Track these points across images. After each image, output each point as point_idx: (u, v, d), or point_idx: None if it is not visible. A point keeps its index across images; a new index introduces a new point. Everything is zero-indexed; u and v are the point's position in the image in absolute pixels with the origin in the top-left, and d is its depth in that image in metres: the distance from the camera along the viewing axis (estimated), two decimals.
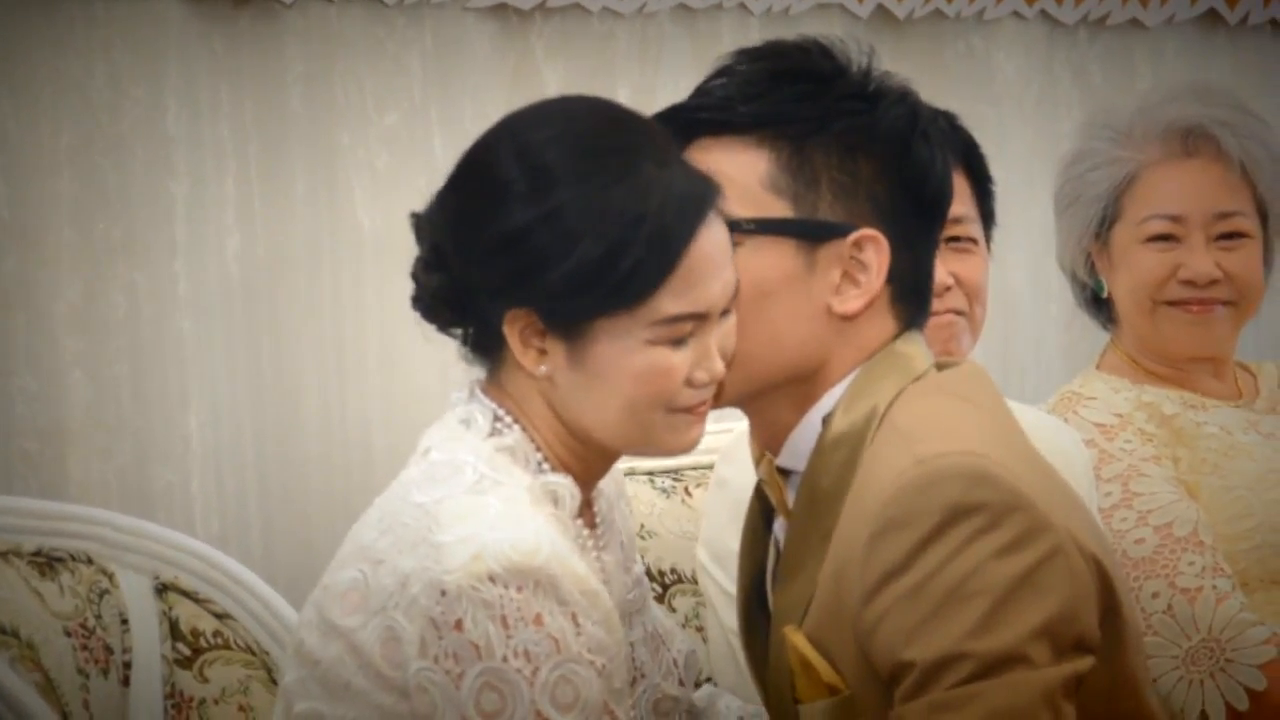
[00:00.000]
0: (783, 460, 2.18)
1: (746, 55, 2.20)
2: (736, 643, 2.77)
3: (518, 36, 3.40)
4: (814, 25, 3.59)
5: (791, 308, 2.14)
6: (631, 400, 2.13)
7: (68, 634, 2.52)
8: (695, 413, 2.16)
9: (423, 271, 2.20)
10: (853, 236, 2.14)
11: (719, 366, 2.14)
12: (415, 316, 2.22)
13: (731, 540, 2.78)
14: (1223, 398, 3.03)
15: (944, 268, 2.78)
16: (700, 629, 2.91)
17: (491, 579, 2.04)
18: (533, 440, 2.18)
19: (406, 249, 3.34)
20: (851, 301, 2.14)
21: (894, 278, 2.16)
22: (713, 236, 2.12)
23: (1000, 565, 1.98)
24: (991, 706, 1.96)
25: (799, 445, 2.16)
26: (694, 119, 2.19)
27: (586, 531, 2.22)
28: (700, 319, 2.12)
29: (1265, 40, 3.96)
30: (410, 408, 3.33)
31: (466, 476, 2.14)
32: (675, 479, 2.99)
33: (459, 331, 2.21)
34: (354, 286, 3.27)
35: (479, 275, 2.14)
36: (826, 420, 2.13)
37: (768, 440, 2.20)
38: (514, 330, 2.14)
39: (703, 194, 2.12)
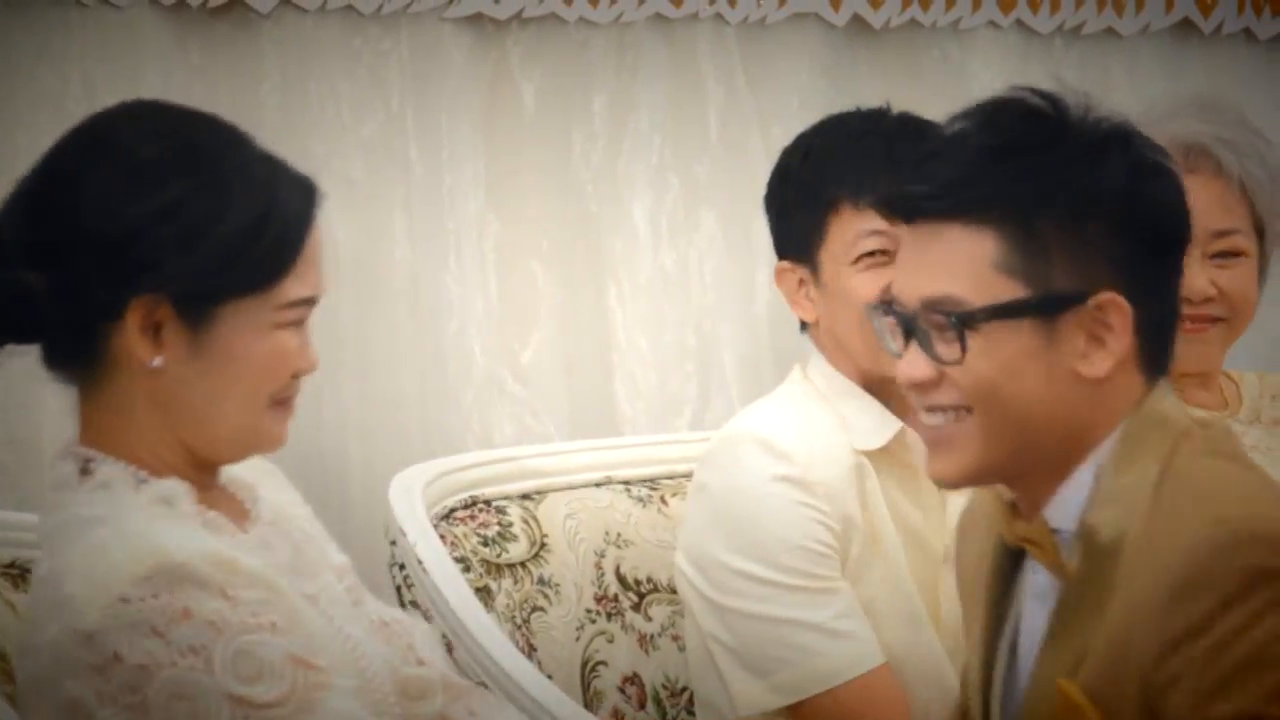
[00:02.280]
0: (1051, 519, 2.15)
1: (963, 130, 2.15)
2: (716, 648, 2.77)
3: (494, 46, 3.39)
4: (791, 35, 3.59)
5: (1039, 381, 2.11)
6: (250, 386, 2.18)
7: None
8: (289, 406, 2.23)
9: (15, 273, 2.17)
10: (1092, 302, 2.11)
11: (316, 357, 2.23)
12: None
13: (711, 545, 2.78)
14: (1208, 408, 3.03)
15: None
16: (676, 638, 2.91)
17: (124, 600, 2.04)
18: (133, 460, 2.18)
19: (382, 257, 3.35)
20: (1099, 365, 2.12)
21: (1139, 329, 2.14)
22: (317, 227, 2.22)
23: None
24: None
25: (1067, 504, 2.13)
26: (917, 206, 2.15)
27: (223, 518, 2.20)
28: (312, 304, 2.21)
29: (1239, 49, 3.96)
30: (387, 417, 3.32)
31: (71, 531, 2.14)
32: (651, 488, 2.99)
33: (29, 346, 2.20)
34: (329, 295, 3.25)
35: (95, 268, 2.14)
36: (1098, 479, 2.12)
37: (1029, 502, 2.17)
38: (135, 320, 2.14)
39: (314, 184, 2.22)
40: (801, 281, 2.85)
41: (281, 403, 2.22)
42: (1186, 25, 3.91)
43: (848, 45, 3.65)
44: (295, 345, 2.20)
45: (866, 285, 2.79)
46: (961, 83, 3.76)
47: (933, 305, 2.12)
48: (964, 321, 2.10)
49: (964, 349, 2.10)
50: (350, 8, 3.27)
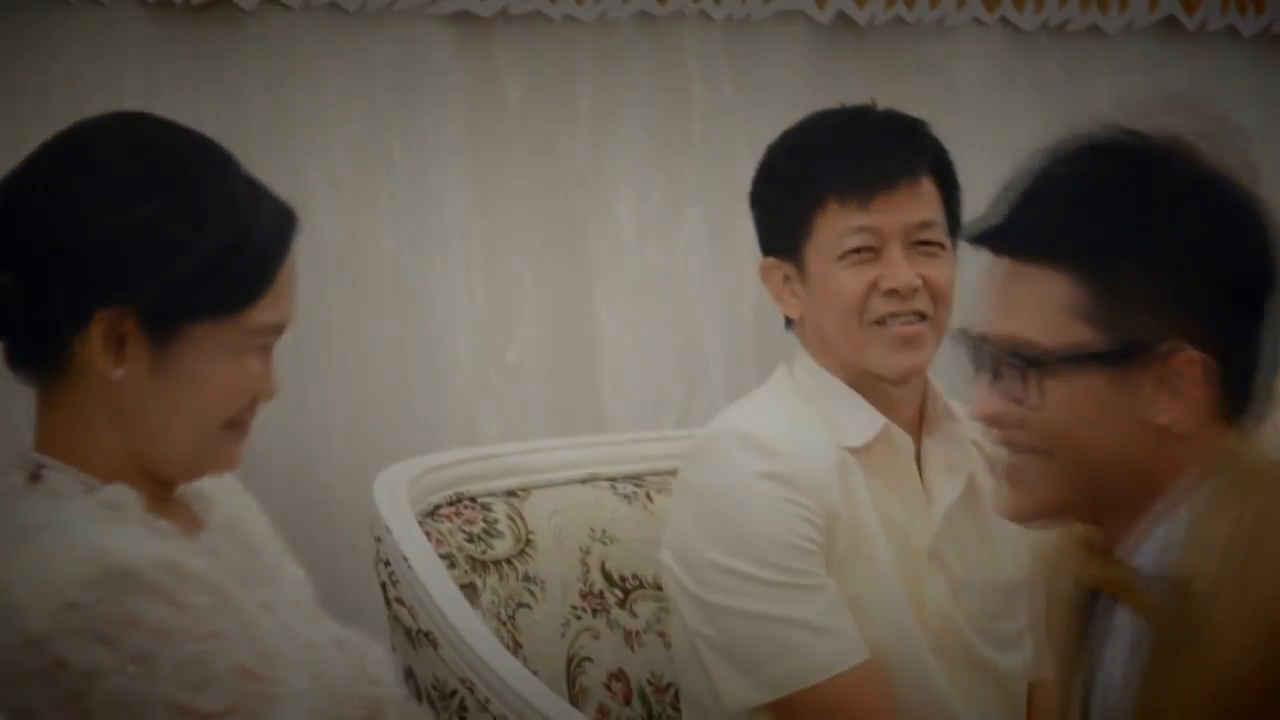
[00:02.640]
0: (1139, 563, 2.13)
1: (1060, 174, 2.11)
2: (701, 644, 2.77)
3: (479, 43, 3.40)
4: (776, 32, 3.59)
5: (1115, 430, 2.08)
6: (206, 408, 2.15)
7: None
8: (244, 429, 2.19)
9: None
10: (1172, 356, 2.07)
11: (277, 384, 2.19)
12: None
13: (696, 541, 2.78)
14: None
15: (913, 270, 2.80)
16: (662, 634, 2.91)
17: (72, 605, 2.02)
18: (86, 467, 2.15)
19: (368, 256, 3.36)
20: (1178, 418, 2.08)
21: (1222, 378, 2.09)
22: (293, 254, 2.19)
23: None
24: None
25: (1156, 549, 2.11)
26: (1006, 245, 2.12)
27: (172, 526, 2.18)
28: (281, 331, 2.18)
29: (1223, 46, 3.97)
30: (372, 414, 3.32)
31: (17, 537, 2.11)
32: (637, 484, 2.99)
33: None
34: (315, 293, 3.26)
35: (64, 275, 2.13)
36: (1189, 525, 2.09)
37: (1113, 544, 2.14)
38: (99, 331, 2.13)
39: (293, 211, 2.20)
40: (787, 278, 2.85)
41: (236, 425, 2.19)
42: (1171, 22, 3.92)
43: (833, 42, 3.66)
44: (258, 371, 2.18)
45: (852, 282, 2.79)
46: (947, 80, 3.77)
47: (1010, 346, 2.10)
48: (1036, 366, 2.07)
49: (1039, 393, 2.08)
50: (335, 5, 3.28)
